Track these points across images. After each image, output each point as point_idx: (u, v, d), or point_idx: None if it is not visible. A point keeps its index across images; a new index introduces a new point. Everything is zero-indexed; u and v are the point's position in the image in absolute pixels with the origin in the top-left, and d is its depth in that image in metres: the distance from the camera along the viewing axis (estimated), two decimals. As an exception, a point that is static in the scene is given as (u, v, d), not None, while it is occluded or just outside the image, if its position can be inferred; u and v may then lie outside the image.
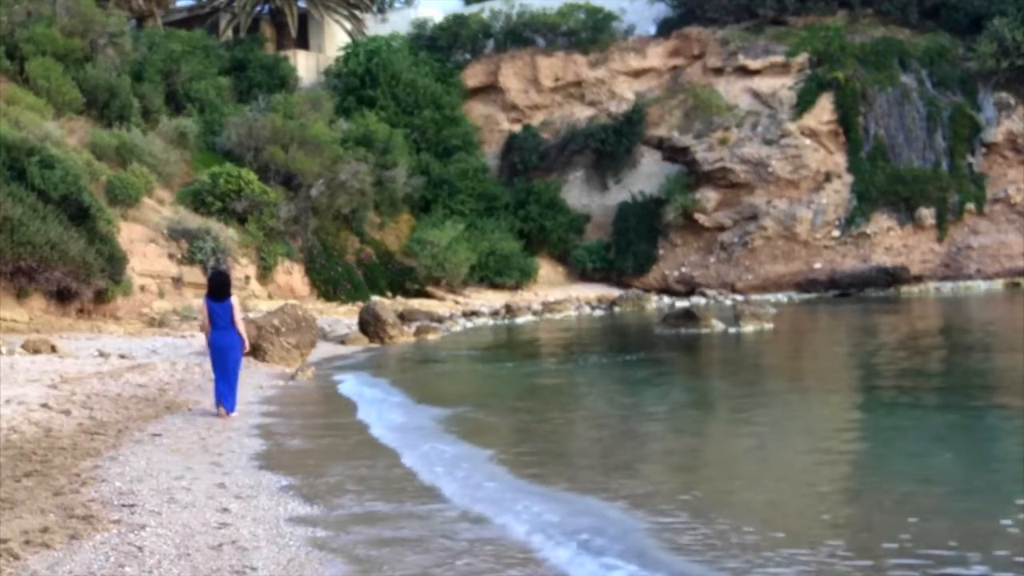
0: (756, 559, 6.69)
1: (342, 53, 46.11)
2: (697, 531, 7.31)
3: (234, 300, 12.86)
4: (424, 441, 11.19)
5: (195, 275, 29.14)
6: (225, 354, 12.64)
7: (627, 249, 43.46)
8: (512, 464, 9.90)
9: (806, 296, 40.65)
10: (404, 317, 28.79)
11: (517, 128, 46.59)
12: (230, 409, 12.74)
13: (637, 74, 45.87)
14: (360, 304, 31.45)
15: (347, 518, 7.78)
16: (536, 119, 46.68)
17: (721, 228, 42.63)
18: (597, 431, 12.48)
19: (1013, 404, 13.20)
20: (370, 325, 25.02)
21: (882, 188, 41.55)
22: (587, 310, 36.15)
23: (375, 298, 32.95)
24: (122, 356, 18.31)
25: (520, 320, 32.45)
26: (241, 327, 12.88)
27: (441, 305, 36.26)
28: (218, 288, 12.74)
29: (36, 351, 17.90)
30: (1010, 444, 10.67)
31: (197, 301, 26.06)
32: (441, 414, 13.18)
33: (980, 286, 40.02)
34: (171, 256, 29.13)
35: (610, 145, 44.36)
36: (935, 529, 7.28)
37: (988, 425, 11.94)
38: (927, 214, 41.25)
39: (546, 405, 14.80)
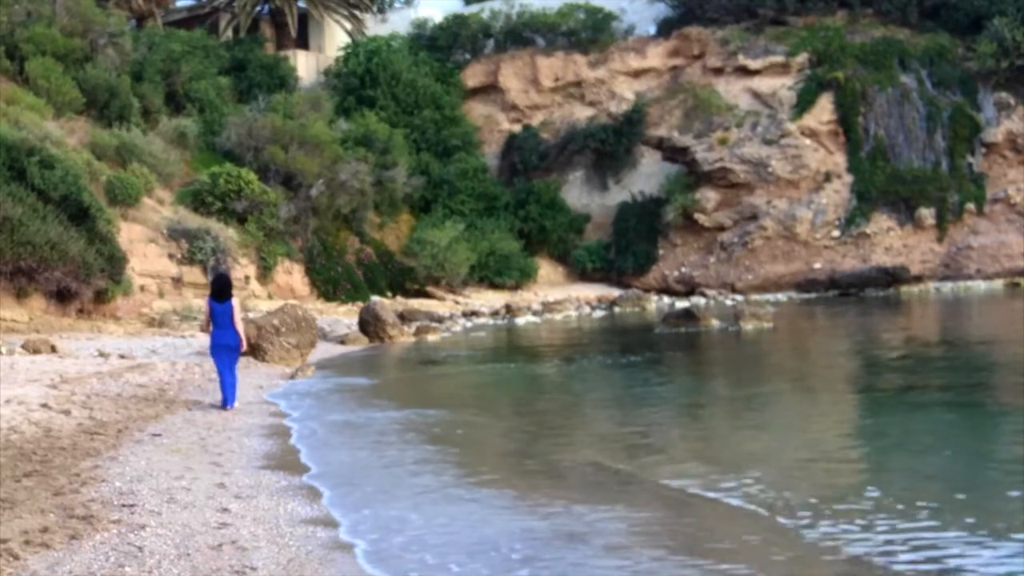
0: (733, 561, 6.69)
1: (342, 53, 46.12)
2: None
3: (235, 301, 13.50)
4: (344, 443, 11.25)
5: (195, 275, 29.16)
6: (225, 352, 13.25)
7: (627, 249, 43.45)
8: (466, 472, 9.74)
9: (806, 296, 40.63)
10: (404, 317, 28.79)
11: (517, 128, 46.58)
12: (230, 404, 13.27)
13: (637, 74, 45.86)
14: (360, 304, 31.44)
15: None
16: (536, 119, 46.67)
17: (721, 228, 42.62)
18: (591, 436, 12.47)
19: (1012, 402, 13.22)
20: (370, 325, 25.02)
21: (882, 188, 41.55)
22: (587, 310, 36.13)
23: (375, 298, 32.94)
24: (122, 356, 18.31)
25: (520, 320, 32.42)
26: (240, 327, 13.49)
27: (441, 305, 36.27)
28: (220, 289, 13.39)
29: (36, 351, 17.90)
30: (1009, 441, 10.69)
31: (197, 301, 26.16)
32: (409, 416, 13.18)
33: (980, 286, 40.02)
34: (171, 256, 29.14)
35: (610, 145, 44.36)
36: (934, 526, 7.29)
37: (987, 423, 11.96)
38: (927, 214, 41.25)
39: (544, 405, 14.79)
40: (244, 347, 13.78)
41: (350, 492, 8.75)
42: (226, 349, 13.25)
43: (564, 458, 10.32)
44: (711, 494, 8.49)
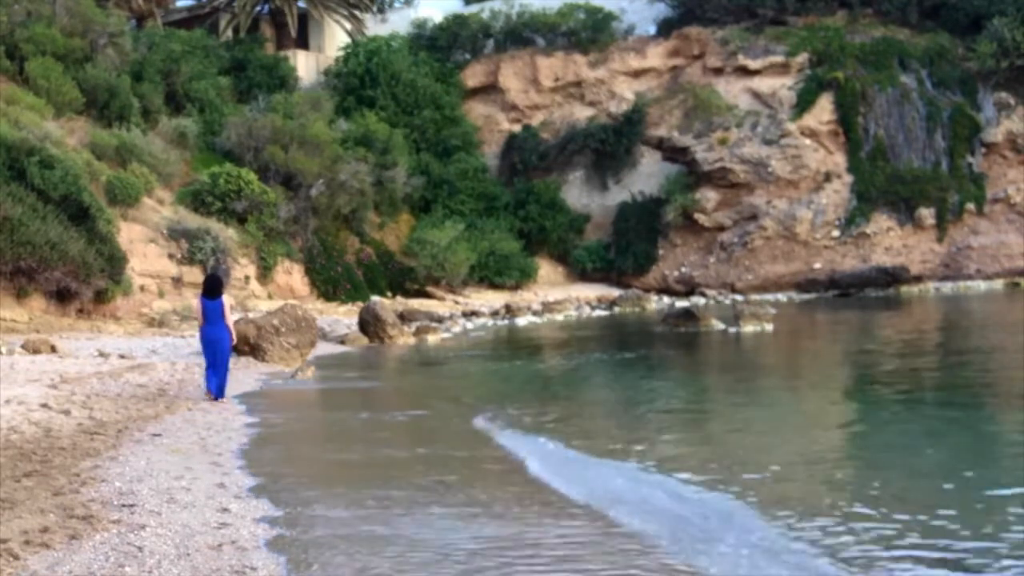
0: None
1: (342, 53, 46.10)
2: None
3: (225, 299, 14.32)
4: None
5: (195, 275, 29.12)
6: (215, 346, 14.08)
7: (627, 249, 43.45)
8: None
9: (806, 296, 40.65)
10: (404, 317, 28.77)
11: (517, 128, 46.57)
12: (220, 396, 13.98)
13: (637, 74, 45.85)
14: (360, 304, 31.43)
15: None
16: (536, 119, 46.67)
17: (721, 228, 42.62)
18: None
19: (1006, 401, 13.25)
20: (370, 325, 25.00)
21: (882, 188, 41.55)
22: (587, 310, 36.10)
23: (375, 298, 32.91)
24: (122, 356, 18.32)
25: (520, 320, 32.40)
26: (230, 323, 14.34)
27: (441, 305, 36.25)
28: (211, 288, 14.27)
29: (36, 351, 17.91)
30: (1001, 439, 10.73)
31: (195, 302, 26.14)
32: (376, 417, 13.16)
33: (980, 286, 40.03)
34: (171, 256, 29.14)
35: (610, 145, 44.36)
36: (928, 522, 7.30)
37: (981, 422, 12.00)
38: (927, 214, 41.25)
39: (541, 407, 14.80)
40: (234, 340, 14.64)
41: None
42: (216, 343, 14.02)
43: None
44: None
